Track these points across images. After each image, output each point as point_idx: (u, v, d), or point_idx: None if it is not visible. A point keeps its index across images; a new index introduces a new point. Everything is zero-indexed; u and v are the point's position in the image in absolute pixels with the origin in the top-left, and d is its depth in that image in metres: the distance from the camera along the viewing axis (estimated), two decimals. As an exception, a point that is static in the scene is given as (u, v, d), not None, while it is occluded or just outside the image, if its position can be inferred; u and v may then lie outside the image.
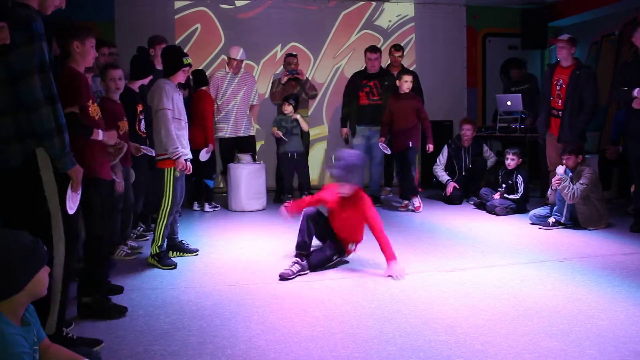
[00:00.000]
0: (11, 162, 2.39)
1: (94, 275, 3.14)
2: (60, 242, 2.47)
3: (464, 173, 6.76)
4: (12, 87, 2.35)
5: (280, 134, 6.42)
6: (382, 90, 6.43)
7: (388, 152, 6.19)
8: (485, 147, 6.94)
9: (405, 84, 6.02)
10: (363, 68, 6.75)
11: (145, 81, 4.64)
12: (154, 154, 4.22)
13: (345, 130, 6.76)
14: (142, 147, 4.34)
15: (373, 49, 6.49)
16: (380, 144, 6.17)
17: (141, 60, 4.67)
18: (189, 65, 4.20)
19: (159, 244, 4.05)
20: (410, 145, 6.04)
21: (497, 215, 5.81)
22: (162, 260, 4.02)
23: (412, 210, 6.09)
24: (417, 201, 6.12)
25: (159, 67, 4.79)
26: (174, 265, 4.01)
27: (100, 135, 3.11)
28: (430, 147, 6.15)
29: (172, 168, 4.04)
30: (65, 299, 2.61)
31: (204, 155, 5.94)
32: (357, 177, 3.89)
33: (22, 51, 2.31)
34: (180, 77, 4.18)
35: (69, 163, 2.51)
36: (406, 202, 6.24)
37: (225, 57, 7.80)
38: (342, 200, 3.93)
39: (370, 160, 6.55)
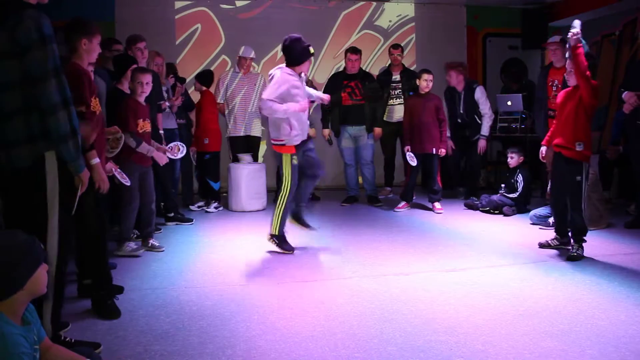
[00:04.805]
0: (19, 164, 2.38)
1: (107, 269, 3.25)
2: (54, 242, 2.46)
3: (458, 120, 6.70)
4: (24, 91, 2.33)
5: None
6: (364, 91, 6.43)
7: (414, 163, 6.06)
8: (479, 92, 6.61)
9: (425, 82, 6.02)
10: (342, 69, 6.78)
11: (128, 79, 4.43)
12: (177, 157, 4.85)
13: (327, 131, 6.67)
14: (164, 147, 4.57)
15: (354, 50, 6.50)
16: (408, 153, 6.10)
17: (122, 58, 4.55)
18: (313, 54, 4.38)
19: (278, 227, 4.39)
20: (434, 152, 6.02)
21: (506, 215, 5.82)
22: (282, 244, 4.38)
23: (432, 211, 6.11)
24: (438, 204, 6.14)
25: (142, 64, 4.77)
26: (292, 251, 4.36)
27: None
28: (442, 151, 6.09)
29: (290, 154, 4.29)
30: (59, 298, 2.59)
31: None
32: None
33: (36, 55, 2.29)
34: (306, 66, 4.36)
35: (82, 166, 2.51)
36: (403, 203, 6.25)
37: (226, 57, 7.84)
38: (567, 94, 4.31)
39: (359, 161, 6.55)
